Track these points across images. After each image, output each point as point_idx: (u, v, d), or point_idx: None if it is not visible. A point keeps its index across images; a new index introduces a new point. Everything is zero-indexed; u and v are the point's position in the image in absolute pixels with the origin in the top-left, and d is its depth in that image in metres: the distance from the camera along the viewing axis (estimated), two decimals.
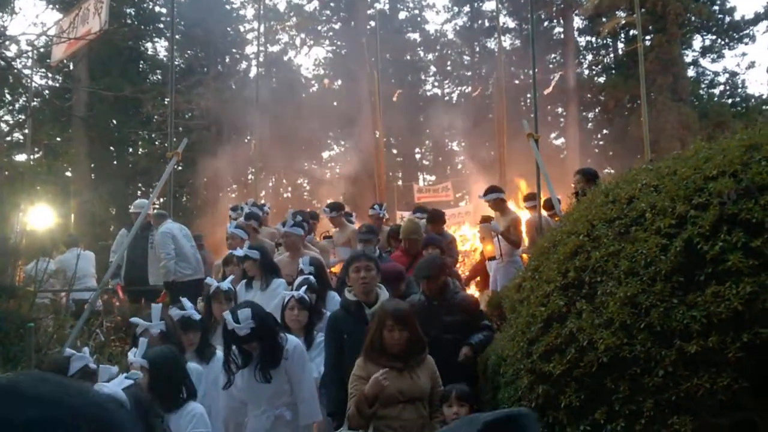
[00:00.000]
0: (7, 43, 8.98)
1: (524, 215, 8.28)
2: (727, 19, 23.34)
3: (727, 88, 24.23)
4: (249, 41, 25.69)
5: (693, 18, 22.15)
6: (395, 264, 5.20)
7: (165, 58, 22.67)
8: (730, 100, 23.66)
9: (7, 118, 17.68)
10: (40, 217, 9.46)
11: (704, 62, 24.27)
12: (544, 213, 7.57)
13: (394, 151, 27.14)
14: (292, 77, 25.75)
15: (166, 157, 8.76)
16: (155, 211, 8.10)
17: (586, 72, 25.34)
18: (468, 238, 12.32)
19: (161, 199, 13.22)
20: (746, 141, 2.68)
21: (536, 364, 2.80)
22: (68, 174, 18.18)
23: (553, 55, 24.75)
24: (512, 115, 18.76)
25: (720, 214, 2.41)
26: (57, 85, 18.79)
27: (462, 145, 26.17)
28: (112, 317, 7.12)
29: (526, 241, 7.70)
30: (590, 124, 25.06)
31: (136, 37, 21.22)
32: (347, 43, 25.61)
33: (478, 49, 27.91)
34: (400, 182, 25.38)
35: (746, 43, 23.42)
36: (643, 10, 16.06)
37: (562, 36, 24.62)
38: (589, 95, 23.78)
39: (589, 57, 25.88)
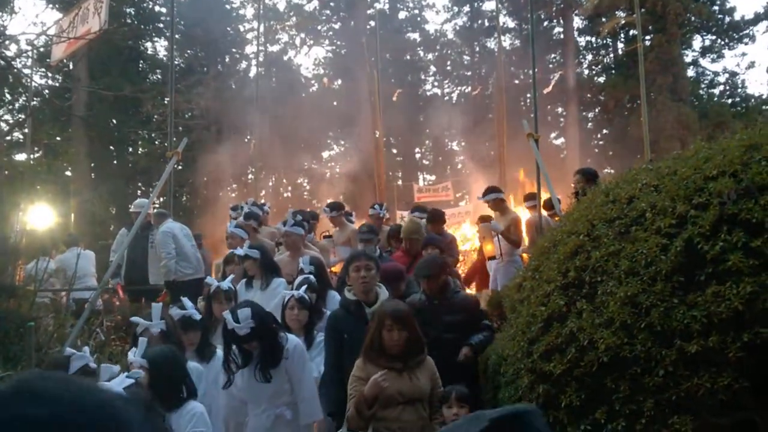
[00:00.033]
0: (7, 42, 8.98)
1: (524, 215, 8.29)
2: (727, 19, 23.34)
3: (727, 88, 24.24)
4: (249, 41, 25.74)
5: (693, 18, 22.14)
6: (395, 263, 5.20)
7: (165, 58, 22.68)
8: (729, 100, 23.65)
9: (7, 117, 17.67)
10: (40, 216, 9.48)
11: (704, 62, 24.33)
12: (544, 213, 7.57)
13: (394, 151, 27.14)
14: (292, 77, 25.76)
15: (166, 156, 8.77)
16: (155, 210, 8.11)
17: (586, 72, 25.36)
18: (468, 237, 12.33)
19: (161, 199, 13.22)
20: (746, 141, 2.68)
21: (537, 364, 2.80)
22: (68, 173, 18.17)
23: (553, 55, 24.75)
24: (512, 114, 18.80)
25: (720, 214, 2.41)
26: (57, 84, 18.77)
27: (462, 145, 26.18)
28: (113, 316, 7.13)
29: (526, 240, 7.70)
30: (590, 124, 25.05)
31: (136, 36, 21.21)
32: (347, 42, 25.62)
33: (478, 49, 27.91)
34: (399, 182, 25.38)
35: (746, 43, 23.47)
36: (642, 10, 16.05)
37: (562, 36, 24.63)
38: (589, 95, 23.78)
39: (589, 57, 25.88)
